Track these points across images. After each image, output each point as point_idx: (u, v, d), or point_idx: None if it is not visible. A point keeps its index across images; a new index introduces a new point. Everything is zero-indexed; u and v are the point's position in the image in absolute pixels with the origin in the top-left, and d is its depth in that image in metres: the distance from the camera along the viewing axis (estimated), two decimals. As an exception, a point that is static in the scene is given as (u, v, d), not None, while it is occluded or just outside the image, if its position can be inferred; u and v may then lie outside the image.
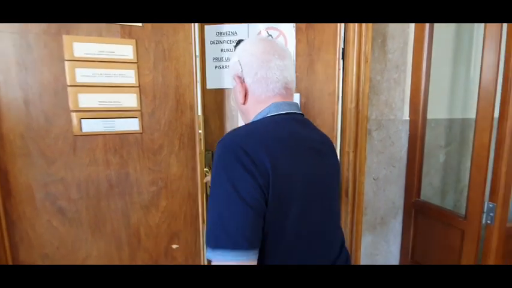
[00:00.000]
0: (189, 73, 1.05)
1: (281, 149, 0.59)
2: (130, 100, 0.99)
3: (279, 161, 0.56)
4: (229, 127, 1.30)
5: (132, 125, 1.00)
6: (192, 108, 1.07)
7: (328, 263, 0.69)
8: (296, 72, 1.44)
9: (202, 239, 1.14)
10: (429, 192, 1.52)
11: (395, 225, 1.47)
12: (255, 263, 0.53)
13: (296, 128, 0.66)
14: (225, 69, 1.28)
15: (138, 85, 1.00)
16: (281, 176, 0.55)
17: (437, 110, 1.49)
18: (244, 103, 0.71)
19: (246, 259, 0.51)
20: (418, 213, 1.42)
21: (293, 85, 0.73)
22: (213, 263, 0.52)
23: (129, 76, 0.99)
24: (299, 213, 0.60)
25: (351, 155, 1.26)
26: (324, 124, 1.33)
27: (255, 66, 0.66)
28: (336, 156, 0.77)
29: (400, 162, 1.43)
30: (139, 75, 1.00)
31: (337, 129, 1.30)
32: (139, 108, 1.01)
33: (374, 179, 1.37)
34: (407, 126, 1.42)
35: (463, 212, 1.69)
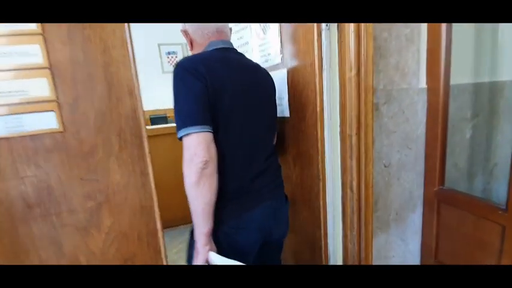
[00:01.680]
0: (122, 44, 0.76)
1: (214, 62, 0.79)
2: (39, 87, 0.71)
3: (212, 69, 0.76)
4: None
5: (47, 121, 0.73)
6: (132, 92, 0.78)
7: (262, 162, 0.89)
8: (283, 47, 1.17)
9: (166, 260, 0.89)
10: (454, 176, 1.23)
11: (414, 220, 1.20)
12: (211, 134, 0.73)
13: (227, 54, 0.86)
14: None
15: (48, 65, 0.71)
16: (215, 78, 0.75)
17: (460, 73, 1.18)
18: (191, 50, 0.93)
19: (204, 129, 0.72)
20: (442, 204, 1.14)
21: (225, 28, 0.90)
22: (184, 139, 0.71)
23: (33, 54, 0.70)
24: (236, 110, 0.79)
25: (354, 138, 0.97)
26: (307, 102, 1.05)
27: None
28: (271, 80, 0.95)
29: (417, 142, 1.13)
30: (48, 50, 0.71)
31: (324, 107, 1.01)
32: (54, 98, 0.73)
33: (385, 165, 1.08)
34: (424, 97, 1.11)
35: (494, 195, 1.41)
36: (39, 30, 0.70)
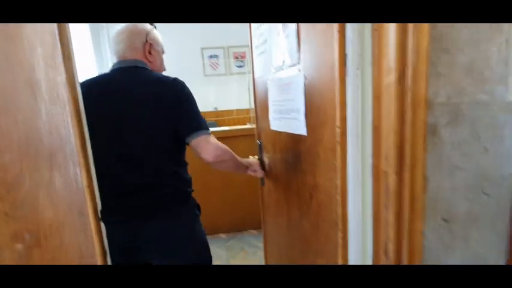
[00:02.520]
0: (51, 40, 0.57)
1: (87, 84, 1.02)
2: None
3: (83, 91, 0.81)
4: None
5: (-40, 141, 0.57)
6: (64, 102, 0.58)
7: (129, 183, 1.04)
8: (300, 43, 0.90)
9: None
10: None
11: (491, 302, 0.79)
12: None
13: (113, 74, 1.08)
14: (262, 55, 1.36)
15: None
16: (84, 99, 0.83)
17: None
18: None
19: None
20: (543, 287, 0.71)
21: (126, 51, 1.10)
22: None
23: None
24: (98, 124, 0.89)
25: (392, 178, 0.63)
26: (326, 119, 0.74)
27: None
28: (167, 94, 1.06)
29: (502, 185, 0.73)
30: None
31: (348, 127, 0.68)
32: (-33, 112, 0.56)
33: (444, 220, 0.71)
34: (518, 114, 0.71)
35: None
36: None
